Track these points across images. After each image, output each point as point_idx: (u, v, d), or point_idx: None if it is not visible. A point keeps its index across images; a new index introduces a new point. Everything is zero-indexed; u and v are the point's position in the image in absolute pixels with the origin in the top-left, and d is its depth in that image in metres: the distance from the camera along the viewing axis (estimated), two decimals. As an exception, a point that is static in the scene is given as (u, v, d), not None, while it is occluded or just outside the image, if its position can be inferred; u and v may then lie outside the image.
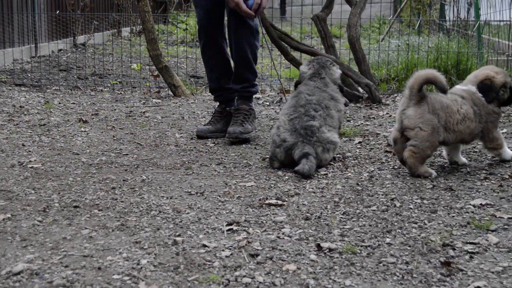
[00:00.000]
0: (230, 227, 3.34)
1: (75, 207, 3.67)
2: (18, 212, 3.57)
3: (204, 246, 3.08)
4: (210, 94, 7.67)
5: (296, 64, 6.86)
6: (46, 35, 10.95)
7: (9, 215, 3.52)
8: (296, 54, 7.45)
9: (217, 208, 3.64)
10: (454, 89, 4.55)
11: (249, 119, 5.37)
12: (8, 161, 4.66)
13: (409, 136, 4.21)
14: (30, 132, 5.60)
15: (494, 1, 9.00)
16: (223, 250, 3.03)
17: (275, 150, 4.51)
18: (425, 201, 3.75)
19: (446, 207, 3.65)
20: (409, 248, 3.07)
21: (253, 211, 3.61)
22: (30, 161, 4.67)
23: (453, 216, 3.50)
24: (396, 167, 4.50)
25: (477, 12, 9.75)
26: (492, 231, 3.28)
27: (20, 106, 6.79)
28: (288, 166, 4.47)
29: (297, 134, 4.46)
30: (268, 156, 4.68)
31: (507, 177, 4.20)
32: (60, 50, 11.14)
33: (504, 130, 5.49)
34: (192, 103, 7.15)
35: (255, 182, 4.17)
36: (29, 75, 8.90)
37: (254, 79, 5.46)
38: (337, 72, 5.05)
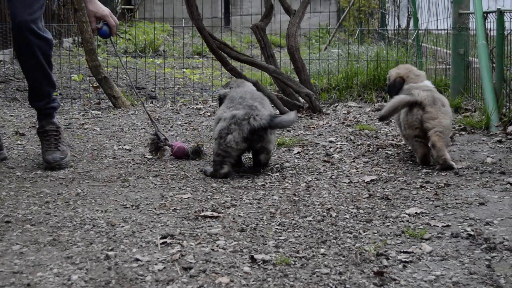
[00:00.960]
0: (164, 240, 3.30)
1: (7, 222, 3.59)
2: None
3: (137, 260, 3.05)
4: (150, 105, 7.63)
5: (236, 74, 6.85)
6: (-16, 46, 10.78)
7: None
8: (236, 64, 7.45)
9: (152, 221, 3.61)
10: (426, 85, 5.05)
11: (62, 140, 5.01)
12: None
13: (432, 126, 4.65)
14: (-35, 146, 5.50)
15: (434, 10, 9.12)
16: (156, 264, 3.00)
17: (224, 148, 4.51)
18: (361, 211, 3.77)
19: (381, 216, 3.67)
20: (343, 258, 3.08)
21: (188, 223, 3.58)
22: (-38, 175, 4.58)
23: (388, 225, 3.52)
24: (333, 177, 4.52)
25: (415, 21, 9.88)
26: (426, 239, 3.30)
27: (-44, 119, 6.67)
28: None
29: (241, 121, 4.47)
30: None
31: (443, 185, 4.24)
32: (0, 61, 10.97)
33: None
34: (132, 114, 7.09)
35: (191, 194, 4.14)
36: (-34, 87, 8.75)
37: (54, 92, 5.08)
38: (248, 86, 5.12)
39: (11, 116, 6.96)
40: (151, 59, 11.86)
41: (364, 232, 3.43)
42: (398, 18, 11.15)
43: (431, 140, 4.63)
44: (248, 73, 8.07)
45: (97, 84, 8.04)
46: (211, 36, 6.95)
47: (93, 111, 7.29)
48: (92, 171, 4.75)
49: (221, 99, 4.94)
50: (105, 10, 4.73)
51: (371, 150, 5.27)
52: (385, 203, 3.92)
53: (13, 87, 8.77)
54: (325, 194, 4.12)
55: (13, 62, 10.89)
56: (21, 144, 5.60)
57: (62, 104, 7.80)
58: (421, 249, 3.17)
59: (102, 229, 3.49)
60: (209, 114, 7.15)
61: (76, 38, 13.61)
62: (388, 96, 5.58)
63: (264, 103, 4.73)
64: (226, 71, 7.14)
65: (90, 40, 7.51)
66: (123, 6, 16.64)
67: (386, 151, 5.22)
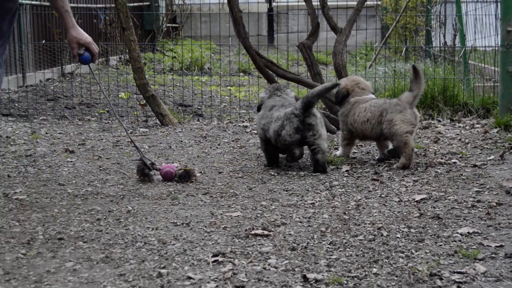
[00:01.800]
0: (216, 258, 3.31)
1: (60, 239, 3.63)
2: (2, 245, 3.54)
3: (189, 278, 3.06)
4: (197, 122, 7.67)
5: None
6: (33, 64, 10.94)
7: (-7, 248, 3.49)
8: (282, 82, 7.46)
9: (203, 239, 3.62)
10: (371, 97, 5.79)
11: None
12: (-7, 192, 4.63)
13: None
14: (16, 163, 5.57)
15: (480, 27, 9.05)
16: (208, 282, 3.01)
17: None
18: (412, 230, 3.74)
19: (433, 236, 3.63)
20: (396, 278, 3.06)
21: (239, 241, 3.58)
22: (15, 192, 4.63)
23: (440, 245, 3.49)
24: (383, 195, 4.49)
25: (462, 39, 9.80)
26: (480, 260, 3.27)
27: (7, 137, 6.76)
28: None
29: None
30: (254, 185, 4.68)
31: (495, 204, 4.20)
32: (48, 79, 11.12)
33: (491, 157, 5.50)
34: (179, 132, 7.13)
35: (241, 212, 4.15)
36: (16, 104, 8.86)
37: None
38: (291, 93, 5.77)
39: (60, 133, 7.04)
40: (196, 77, 11.93)
41: (416, 251, 3.41)
42: (444, 36, 11.07)
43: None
44: (295, 91, 8.07)
45: (144, 101, 8.10)
46: (258, 54, 6.98)
47: (140, 129, 7.34)
48: (141, 188, 4.78)
49: (260, 105, 5.61)
50: (88, 37, 4.71)
51: (420, 169, 5.23)
52: (437, 222, 3.88)
53: (61, 105, 8.87)
54: (375, 213, 4.09)
55: (61, 80, 11.03)
56: (71, 161, 5.66)
57: (110, 121, 7.88)
58: (475, 269, 3.13)
59: (154, 246, 3.51)
60: (255, 132, 7.15)
61: (122, 56, 13.76)
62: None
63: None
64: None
65: (138, 59, 7.57)
66: (168, 25, 16.78)
67: (436, 170, 5.17)
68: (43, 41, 11.09)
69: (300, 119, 5.11)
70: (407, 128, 5.32)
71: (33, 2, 10.89)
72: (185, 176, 4.99)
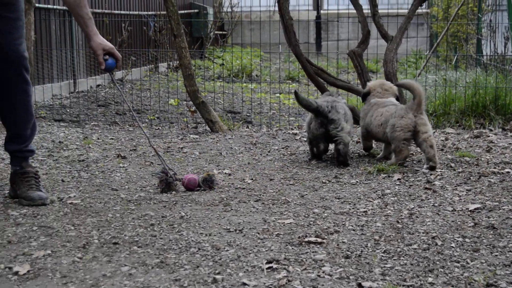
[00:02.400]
0: (270, 265, 3.32)
1: (115, 243, 3.67)
2: (58, 249, 3.59)
3: (244, 284, 3.07)
4: (246, 129, 7.70)
5: (334, 99, 6.84)
6: (84, 70, 11.08)
7: (49, 251, 3.53)
8: (332, 90, 7.44)
9: (256, 246, 3.63)
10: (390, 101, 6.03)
11: (41, 184, 4.75)
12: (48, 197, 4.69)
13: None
14: (69, 168, 5.65)
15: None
16: (263, 289, 3.02)
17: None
18: (467, 240, 3.71)
19: (488, 246, 3.60)
20: (452, 288, 3.03)
21: (292, 248, 3.58)
22: (69, 197, 4.70)
23: (496, 255, 3.46)
24: (436, 204, 4.46)
25: (515, 47, 9.70)
26: (537, 270, 3.23)
27: (59, 142, 6.85)
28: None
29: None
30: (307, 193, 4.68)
31: (550, 215, 4.14)
32: (98, 85, 11.25)
33: None
34: (229, 138, 7.16)
35: (294, 219, 4.15)
36: (68, 110, 8.99)
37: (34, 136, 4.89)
38: (342, 100, 6.20)
39: (112, 139, 7.11)
40: (244, 84, 11.97)
41: (471, 261, 3.38)
42: (495, 44, 10.96)
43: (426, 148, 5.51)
44: (345, 99, 8.05)
45: (194, 108, 8.16)
46: (309, 61, 6.99)
47: (191, 135, 7.39)
48: (194, 194, 4.81)
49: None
50: (109, 44, 4.72)
51: (473, 178, 5.18)
52: (492, 232, 3.84)
53: (112, 111, 8.98)
54: (429, 222, 4.07)
55: (111, 86, 11.15)
56: (123, 167, 5.72)
57: (160, 128, 7.94)
58: (532, 280, 3.10)
59: (208, 252, 3.53)
60: (305, 139, 7.15)
61: (171, 63, 13.86)
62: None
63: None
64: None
65: (189, 66, 7.62)
66: (216, 32, 16.87)
67: (489, 179, 5.12)
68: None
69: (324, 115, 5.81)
70: (404, 135, 5.55)
71: (85, 9, 11.02)
72: (209, 181, 5.00)
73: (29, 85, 4.57)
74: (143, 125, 8.11)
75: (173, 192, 4.85)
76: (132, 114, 5.39)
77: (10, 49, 4.42)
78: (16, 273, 3.23)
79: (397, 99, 6.18)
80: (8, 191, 4.75)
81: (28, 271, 3.25)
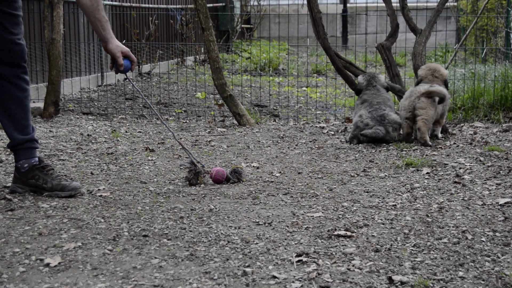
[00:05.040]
0: (300, 258, 3.32)
1: (144, 236, 3.69)
2: (89, 241, 3.61)
3: (274, 277, 3.07)
4: (274, 123, 7.69)
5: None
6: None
7: (80, 244, 3.56)
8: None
9: (285, 239, 3.63)
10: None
11: None
12: (77, 189, 4.72)
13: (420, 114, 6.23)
14: (98, 161, 5.68)
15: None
16: (293, 282, 3.02)
17: (358, 132, 6.41)
18: (497, 234, 3.68)
19: (519, 240, 3.58)
20: (483, 282, 3.02)
21: (322, 242, 3.58)
22: (99, 189, 4.72)
23: (527, 250, 3.43)
24: (466, 198, 4.43)
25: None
26: None
27: (88, 135, 6.89)
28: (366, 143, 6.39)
29: (375, 120, 6.41)
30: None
31: None
32: (125, 79, 11.28)
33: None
34: (256, 132, 7.16)
35: (323, 212, 4.15)
36: (95, 103, 9.04)
37: None
38: (382, 78, 6.93)
39: (140, 132, 7.14)
40: (271, 78, 11.96)
41: (502, 255, 3.36)
42: (524, 37, 10.88)
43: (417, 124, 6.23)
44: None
45: (221, 101, 8.16)
46: (337, 55, 6.97)
47: (218, 129, 7.40)
48: (222, 187, 4.82)
49: (359, 89, 6.90)
50: (125, 47, 4.71)
51: (502, 172, 5.15)
52: (522, 226, 3.82)
53: (139, 104, 9.01)
54: (459, 216, 4.05)
55: (138, 80, 11.19)
56: (152, 160, 5.75)
57: (187, 121, 7.96)
58: None
59: (237, 245, 3.53)
60: (332, 133, 7.14)
61: (197, 56, 13.89)
62: None
63: (390, 104, 6.71)
64: (348, 90, 7.15)
65: (217, 59, 7.63)
66: (242, 25, 16.87)
67: (519, 173, 5.09)
68: (124, 41, 11.26)
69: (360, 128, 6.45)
70: (406, 114, 6.33)
71: (114, 3, 11.08)
72: (237, 172, 5.01)
73: (28, 81, 4.59)
74: (170, 118, 8.13)
75: (202, 185, 4.87)
76: (152, 109, 5.37)
77: (12, 43, 4.44)
78: (47, 265, 3.25)
79: (446, 85, 6.63)
80: (11, 188, 4.66)
81: (59, 263, 3.27)
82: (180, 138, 6.76)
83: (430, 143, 6.22)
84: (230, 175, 4.97)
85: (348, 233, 3.69)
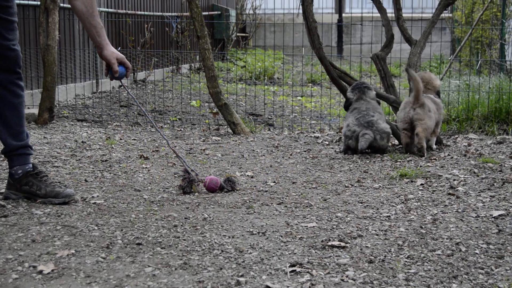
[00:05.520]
0: (293, 268, 3.31)
1: (138, 244, 3.68)
2: (82, 248, 3.60)
3: (268, 287, 3.07)
4: (268, 132, 7.69)
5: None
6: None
7: (73, 251, 3.54)
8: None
9: (279, 249, 3.63)
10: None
11: None
12: (71, 196, 4.71)
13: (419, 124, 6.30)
14: (92, 168, 5.67)
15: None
16: (287, 292, 3.01)
17: (348, 142, 6.42)
18: (491, 246, 3.68)
19: (513, 253, 3.58)
20: (476, 294, 3.02)
21: (315, 252, 3.58)
22: (92, 196, 4.71)
23: (521, 263, 3.43)
24: (460, 210, 4.44)
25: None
26: (562, 278, 3.21)
27: (82, 142, 6.88)
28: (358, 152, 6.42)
29: (362, 126, 6.35)
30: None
31: None
32: (121, 86, 11.29)
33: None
34: (251, 141, 7.17)
35: (317, 222, 4.14)
36: (90, 110, 9.03)
37: None
38: (372, 92, 6.86)
39: (134, 139, 7.14)
40: (266, 86, 11.97)
41: (496, 268, 3.35)
42: (519, 49, 10.91)
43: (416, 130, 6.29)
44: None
45: (216, 110, 8.17)
46: (332, 65, 6.98)
47: (213, 137, 7.40)
48: (216, 196, 4.81)
49: (348, 104, 6.80)
50: (120, 53, 4.70)
51: (496, 184, 5.15)
52: (516, 239, 3.82)
53: (134, 112, 9.01)
54: (453, 227, 4.05)
55: (133, 87, 11.19)
56: (146, 167, 5.74)
57: (182, 129, 7.96)
58: (557, 288, 3.07)
59: (231, 254, 3.53)
60: (327, 142, 7.15)
61: (192, 64, 13.90)
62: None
63: (380, 112, 6.66)
64: (343, 100, 7.14)
65: (212, 67, 7.64)
66: (238, 34, 16.89)
67: (513, 186, 5.10)
68: (119, 48, 11.26)
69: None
70: (403, 126, 6.41)
71: (109, 10, 11.09)
72: (231, 181, 5.01)
73: (23, 87, 4.58)
74: (164, 126, 8.13)
75: (196, 194, 4.86)
76: (146, 116, 5.37)
77: (7, 49, 4.43)
78: (41, 272, 3.24)
79: (438, 95, 6.88)
80: (4, 194, 4.65)
81: (52, 270, 3.26)
82: (175, 146, 6.76)
83: (425, 151, 6.30)
84: (224, 184, 4.97)
85: (342, 244, 3.69)
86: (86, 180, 5.23)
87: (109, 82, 10.73)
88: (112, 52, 4.58)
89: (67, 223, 4.05)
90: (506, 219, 4.22)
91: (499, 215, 4.30)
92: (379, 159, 6.19)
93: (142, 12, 12.47)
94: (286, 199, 4.77)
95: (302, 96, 10.86)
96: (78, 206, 4.47)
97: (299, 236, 3.85)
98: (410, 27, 7.77)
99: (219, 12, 16.10)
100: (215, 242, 3.72)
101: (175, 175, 5.36)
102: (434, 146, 6.66)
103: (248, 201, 4.67)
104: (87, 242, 3.70)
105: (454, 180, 5.29)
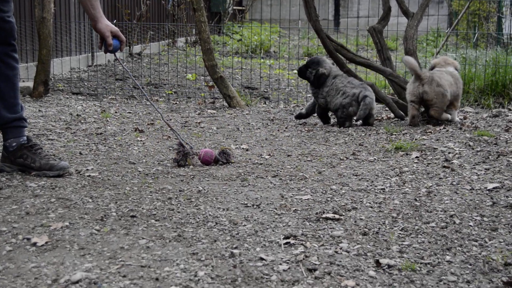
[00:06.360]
0: (287, 240, 3.31)
1: (132, 216, 3.68)
2: (76, 221, 3.59)
3: (261, 259, 3.07)
4: (264, 105, 7.67)
5: (352, 76, 6.82)
6: (102, 44, 11.08)
7: (67, 223, 3.54)
8: (351, 66, 7.41)
9: (273, 221, 3.63)
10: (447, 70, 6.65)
11: None
12: (65, 169, 4.70)
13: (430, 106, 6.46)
14: (87, 141, 5.66)
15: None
16: (280, 264, 3.01)
17: (349, 110, 6.49)
18: (485, 219, 3.69)
19: (506, 225, 3.58)
20: (470, 266, 3.02)
21: (310, 224, 3.58)
22: (87, 169, 4.70)
23: (514, 235, 3.44)
24: (454, 183, 4.44)
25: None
26: (555, 250, 3.21)
27: (77, 115, 6.87)
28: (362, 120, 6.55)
29: (360, 87, 6.54)
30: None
31: None
32: (115, 60, 11.25)
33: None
34: (247, 114, 7.15)
35: (311, 195, 4.14)
36: (85, 83, 9.00)
37: None
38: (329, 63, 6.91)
39: (129, 113, 7.12)
40: (262, 60, 11.94)
41: (489, 240, 3.36)
42: (516, 23, 10.87)
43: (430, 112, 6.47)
44: (363, 76, 8.02)
45: (212, 83, 8.14)
46: (328, 37, 6.95)
47: (208, 110, 7.39)
48: (211, 169, 4.81)
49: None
50: (115, 27, 4.67)
51: (491, 157, 5.15)
52: (510, 211, 3.82)
53: (129, 85, 8.98)
54: (447, 200, 4.05)
55: (129, 61, 11.15)
56: (141, 140, 5.73)
57: (177, 102, 7.94)
58: (550, 260, 3.08)
59: (225, 227, 3.53)
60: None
61: (188, 38, 13.84)
62: None
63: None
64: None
65: (208, 40, 7.60)
66: (234, 7, 16.81)
67: (508, 159, 5.08)
68: (114, 21, 11.21)
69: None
70: (411, 98, 6.44)
71: (104, -17, 11.02)
72: (226, 153, 5.00)
73: (17, 60, 4.56)
74: (160, 99, 8.11)
75: (191, 167, 4.85)
76: (140, 89, 5.35)
77: (2, 21, 4.40)
78: (34, 244, 3.24)
79: (457, 70, 6.81)
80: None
81: (46, 243, 3.25)
82: (170, 120, 6.74)
83: (444, 119, 6.51)
84: (218, 156, 4.96)
85: (336, 216, 3.69)
86: (80, 153, 5.22)
87: (104, 55, 10.69)
88: (107, 25, 4.55)
89: (61, 195, 4.05)
90: (501, 192, 4.22)
91: (494, 188, 4.30)
92: (375, 132, 6.19)
93: (138, -15, 12.41)
94: (281, 171, 4.76)
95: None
96: (73, 178, 4.47)
97: (294, 209, 3.85)
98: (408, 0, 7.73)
99: (215, -15, 16.02)
100: (210, 215, 3.72)
101: (170, 148, 5.35)
102: (457, 119, 6.66)
103: (243, 174, 4.67)
104: (81, 215, 3.69)
105: (449, 153, 5.29)
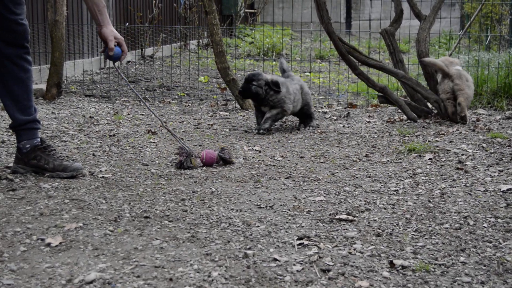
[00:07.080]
0: (301, 241, 3.31)
1: (146, 217, 3.68)
2: (90, 221, 3.60)
3: (275, 260, 3.07)
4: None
5: (364, 78, 6.82)
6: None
7: (81, 224, 3.55)
8: (363, 69, 7.41)
9: (287, 222, 3.63)
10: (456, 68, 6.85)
11: None
12: (79, 170, 4.71)
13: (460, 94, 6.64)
14: (100, 142, 5.67)
15: None
16: (294, 265, 3.01)
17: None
18: (499, 220, 3.67)
19: (521, 227, 3.57)
20: (484, 267, 3.01)
21: (323, 226, 3.58)
22: (100, 171, 4.72)
23: (529, 236, 3.43)
24: (468, 184, 4.42)
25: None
26: None
27: (90, 117, 6.89)
28: None
29: None
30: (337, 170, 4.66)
31: None
32: (128, 62, 11.28)
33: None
34: (259, 116, 7.15)
35: (324, 196, 4.14)
36: (98, 86, 9.02)
37: None
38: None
39: (142, 115, 7.14)
40: (274, 62, 11.94)
41: (504, 241, 3.35)
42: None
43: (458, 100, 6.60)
44: (375, 78, 8.01)
45: (224, 85, 8.15)
46: (341, 40, 6.94)
47: (221, 112, 7.39)
48: (224, 170, 4.81)
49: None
50: (119, 35, 4.67)
51: (505, 159, 5.13)
52: (524, 213, 3.81)
53: (142, 87, 9.00)
54: (461, 201, 4.04)
55: (141, 63, 11.18)
56: (154, 142, 5.74)
57: (190, 104, 7.95)
58: None
59: (239, 228, 3.53)
60: (335, 118, 7.13)
61: (200, 40, 13.86)
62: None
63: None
64: (351, 76, 7.14)
65: (220, 43, 7.61)
66: (246, 10, 16.83)
67: (521, 160, 5.08)
68: (127, 24, 11.25)
69: None
70: (446, 96, 6.71)
71: (116, -15, 11.05)
72: (225, 150, 5.01)
73: (30, 62, 4.58)
74: (172, 101, 8.12)
75: (204, 168, 4.86)
76: (138, 96, 5.36)
77: (15, 23, 4.42)
78: (48, 244, 3.25)
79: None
80: (12, 168, 4.65)
81: (60, 243, 3.26)
82: (183, 121, 6.75)
83: (467, 119, 6.65)
84: (221, 154, 4.97)
85: (350, 217, 3.69)
86: (94, 155, 5.24)
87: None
88: (112, 30, 4.56)
89: (75, 196, 4.06)
90: (515, 193, 4.21)
91: (508, 189, 4.29)
92: (387, 134, 6.18)
93: (150, -12, 12.44)
94: (293, 173, 4.76)
95: (310, 72, 10.82)
96: (86, 180, 4.48)
97: (307, 210, 3.85)
98: (420, 2, 7.74)
99: (227, -12, 16.04)
100: (223, 216, 3.72)
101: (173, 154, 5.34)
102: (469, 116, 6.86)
103: (256, 175, 4.67)
104: (95, 215, 3.70)
105: (463, 154, 5.28)
